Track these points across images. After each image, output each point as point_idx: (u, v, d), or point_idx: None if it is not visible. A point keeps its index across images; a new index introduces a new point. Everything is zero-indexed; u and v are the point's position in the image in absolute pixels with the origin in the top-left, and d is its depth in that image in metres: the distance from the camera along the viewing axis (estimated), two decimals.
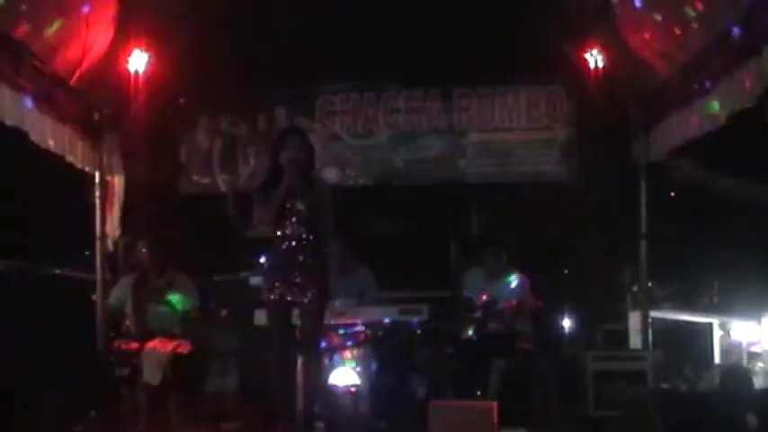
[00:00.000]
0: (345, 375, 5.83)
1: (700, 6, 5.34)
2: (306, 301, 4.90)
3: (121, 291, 6.23)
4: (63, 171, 6.49)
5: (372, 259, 6.77)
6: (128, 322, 6.06)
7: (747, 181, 3.63)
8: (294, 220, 4.93)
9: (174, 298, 6.05)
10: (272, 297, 4.92)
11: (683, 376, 6.69)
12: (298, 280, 4.88)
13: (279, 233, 4.95)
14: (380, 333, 6.11)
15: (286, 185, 4.88)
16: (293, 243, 4.93)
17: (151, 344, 5.79)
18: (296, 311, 5.01)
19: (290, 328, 5.06)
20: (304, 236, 4.93)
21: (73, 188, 6.96)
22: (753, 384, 5.47)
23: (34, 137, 5.71)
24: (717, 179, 3.64)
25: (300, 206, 4.93)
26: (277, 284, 4.91)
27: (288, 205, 4.92)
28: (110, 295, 6.42)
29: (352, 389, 5.79)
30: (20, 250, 6.06)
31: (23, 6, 5.21)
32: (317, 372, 5.20)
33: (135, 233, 6.65)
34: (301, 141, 5.05)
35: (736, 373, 5.75)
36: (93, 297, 6.76)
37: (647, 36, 6.22)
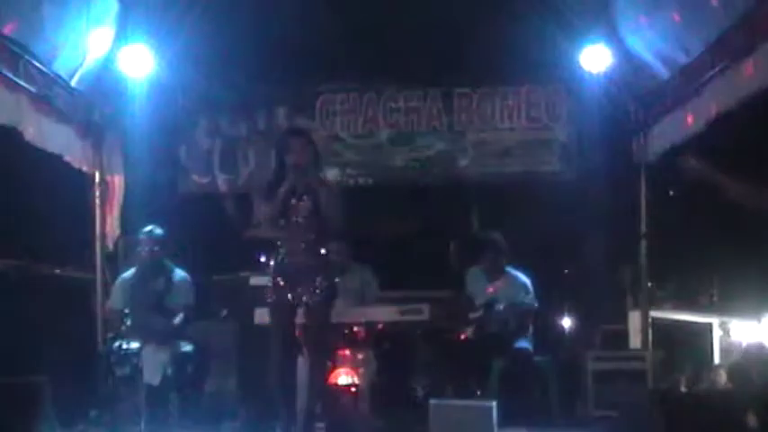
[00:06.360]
0: (345, 375, 5.83)
1: (698, 7, 5.35)
2: (312, 301, 4.89)
3: (122, 291, 6.22)
4: (63, 170, 6.49)
5: (372, 259, 6.77)
6: (128, 322, 6.05)
7: (752, 184, 3.65)
8: (299, 220, 4.93)
9: (173, 298, 6.06)
10: (276, 298, 4.91)
11: (683, 376, 6.69)
12: (304, 280, 4.88)
13: (284, 234, 4.95)
14: (380, 333, 6.11)
15: (289, 187, 4.88)
16: (298, 244, 4.93)
17: (151, 344, 5.79)
18: (300, 311, 5.00)
19: (293, 328, 5.06)
20: (309, 236, 4.93)
21: (73, 188, 6.94)
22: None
23: (34, 137, 5.71)
24: (727, 182, 3.65)
25: (305, 207, 4.92)
26: (282, 285, 4.91)
27: (293, 205, 4.91)
28: (111, 297, 6.39)
29: (353, 389, 5.79)
30: (20, 250, 6.06)
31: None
32: (323, 372, 5.20)
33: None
34: (305, 143, 5.02)
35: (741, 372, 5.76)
36: (93, 298, 6.75)
37: (646, 36, 6.23)
